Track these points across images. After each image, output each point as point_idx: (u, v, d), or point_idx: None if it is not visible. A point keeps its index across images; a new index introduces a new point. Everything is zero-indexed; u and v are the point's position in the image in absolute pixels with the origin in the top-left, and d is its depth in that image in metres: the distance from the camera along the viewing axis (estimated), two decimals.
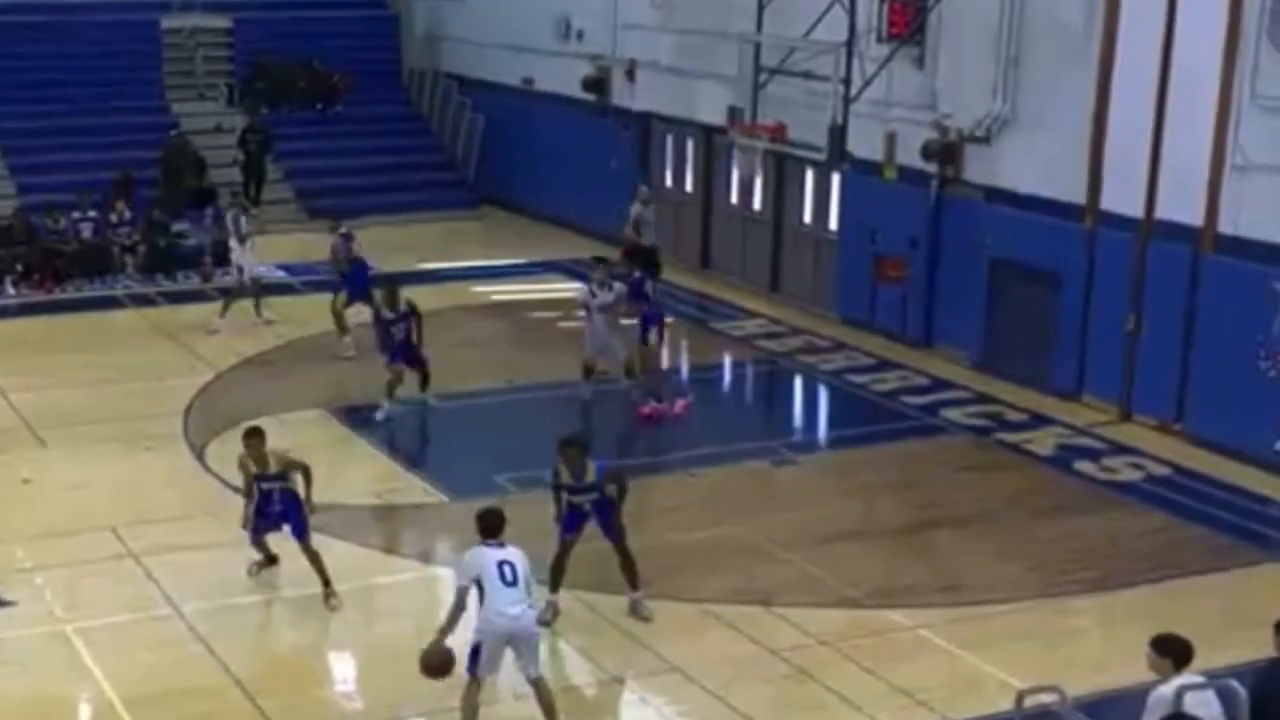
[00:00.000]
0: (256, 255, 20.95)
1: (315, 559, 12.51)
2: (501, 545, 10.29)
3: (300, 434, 16.04)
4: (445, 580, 13.30)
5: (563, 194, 26.72)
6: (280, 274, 22.62)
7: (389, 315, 16.97)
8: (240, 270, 20.73)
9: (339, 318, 19.18)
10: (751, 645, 11.91)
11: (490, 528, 10.34)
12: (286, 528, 12.60)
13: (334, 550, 13.64)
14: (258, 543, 12.81)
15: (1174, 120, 16.54)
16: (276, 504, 12.52)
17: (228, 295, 20.68)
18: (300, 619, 12.59)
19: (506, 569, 10.11)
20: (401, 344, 16.96)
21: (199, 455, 15.73)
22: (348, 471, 15.47)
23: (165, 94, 28.54)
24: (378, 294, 17.41)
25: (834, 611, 12.56)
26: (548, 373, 18.63)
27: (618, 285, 17.23)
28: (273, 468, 12.51)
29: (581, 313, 17.57)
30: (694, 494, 15.10)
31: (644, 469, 15.30)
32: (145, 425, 16.65)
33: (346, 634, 12.41)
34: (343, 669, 11.98)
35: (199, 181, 25.73)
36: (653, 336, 17.44)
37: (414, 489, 15.17)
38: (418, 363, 17.08)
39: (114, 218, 23.50)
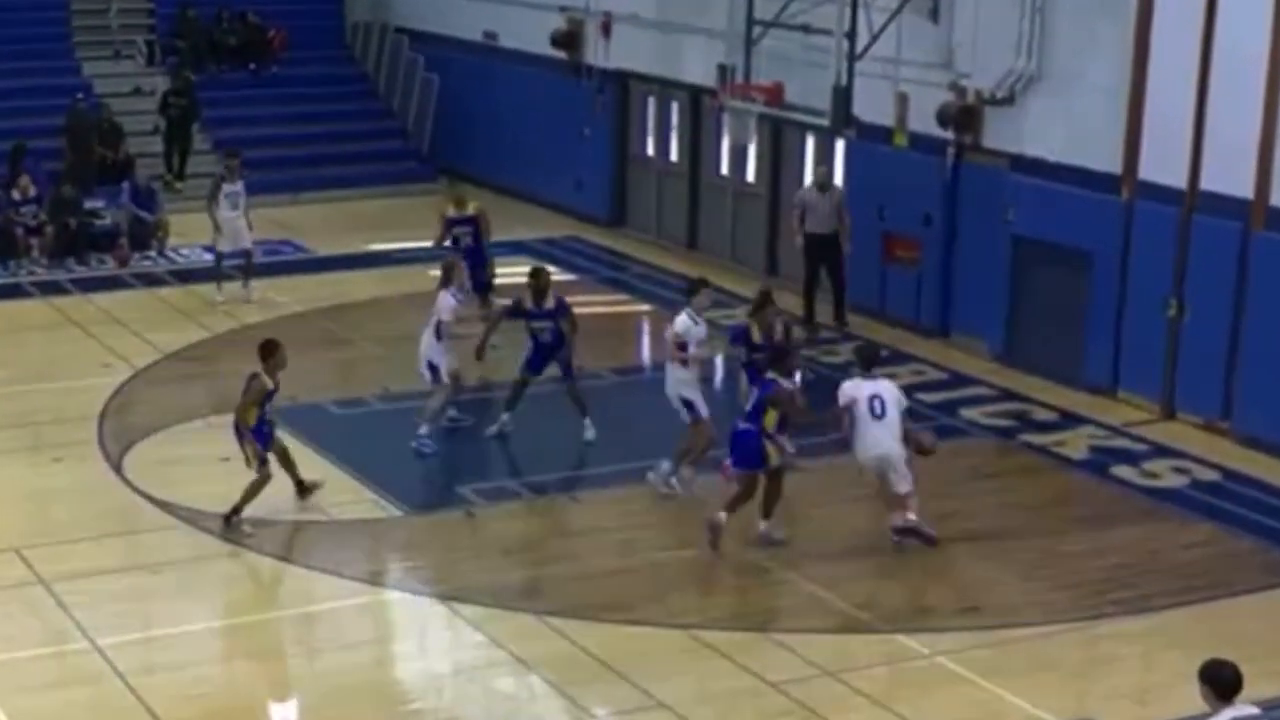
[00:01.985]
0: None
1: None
2: (875, 378, 12.80)
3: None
4: (400, 604, 13.36)
5: (530, 165, 26.72)
6: (207, 257, 22.58)
7: None
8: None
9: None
10: (748, 677, 11.93)
11: (868, 359, 12.91)
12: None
13: (272, 572, 13.70)
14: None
15: (1220, 79, 16.63)
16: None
17: (244, 270, 21.38)
18: (233, 652, 12.59)
19: (876, 403, 12.68)
20: None
21: (116, 466, 15.68)
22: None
23: (75, 52, 28.43)
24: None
25: (841, 637, 12.61)
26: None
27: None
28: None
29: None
30: (681, 506, 15.13)
31: (621, 478, 15.37)
32: (54, 432, 16.64)
33: (288, 668, 12.41)
34: (283, 710, 11.98)
35: (113, 152, 25.63)
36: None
37: (364, 502, 15.15)
38: None
39: (16, 194, 23.37)
